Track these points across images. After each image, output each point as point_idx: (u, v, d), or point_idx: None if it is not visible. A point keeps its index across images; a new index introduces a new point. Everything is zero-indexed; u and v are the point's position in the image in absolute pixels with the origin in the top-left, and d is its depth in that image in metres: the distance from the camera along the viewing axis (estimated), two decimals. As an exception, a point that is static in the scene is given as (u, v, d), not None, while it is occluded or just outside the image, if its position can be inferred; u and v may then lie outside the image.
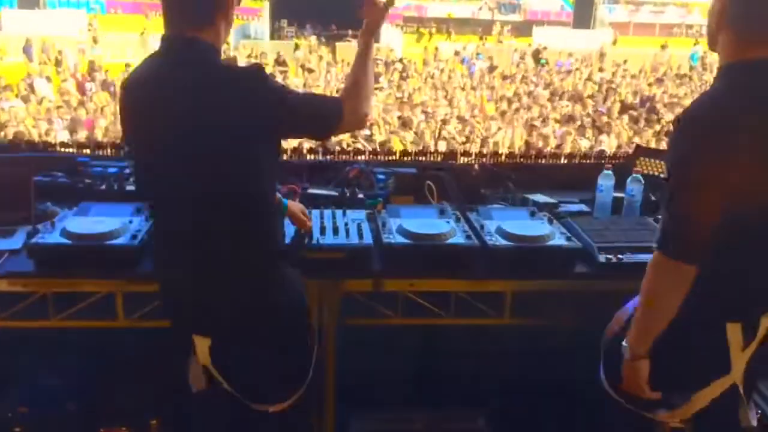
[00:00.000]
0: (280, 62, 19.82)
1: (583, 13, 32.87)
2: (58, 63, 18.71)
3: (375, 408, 2.73)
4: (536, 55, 24.95)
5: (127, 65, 15.49)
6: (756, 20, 1.58)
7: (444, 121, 11.09)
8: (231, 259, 1.75)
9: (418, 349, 2.76)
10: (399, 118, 11.01)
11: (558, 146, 9.70)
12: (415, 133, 9.73)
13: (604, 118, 11.33)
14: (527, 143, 9.63)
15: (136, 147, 1.80)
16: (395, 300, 2.34)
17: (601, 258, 2.34)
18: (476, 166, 3.02)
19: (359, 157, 3.26)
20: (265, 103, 1.66)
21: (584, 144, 10.02)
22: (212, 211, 1.71)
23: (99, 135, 9.66)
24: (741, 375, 1.75)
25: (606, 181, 2.82)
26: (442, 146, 9.06)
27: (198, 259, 1.76)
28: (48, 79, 15.38)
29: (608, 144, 9.62)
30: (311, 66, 19.90)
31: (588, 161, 3.41)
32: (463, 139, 10.23)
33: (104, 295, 2.21)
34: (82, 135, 9.46)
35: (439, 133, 10.11)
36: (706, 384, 1.77)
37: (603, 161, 3.14)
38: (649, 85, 16.82)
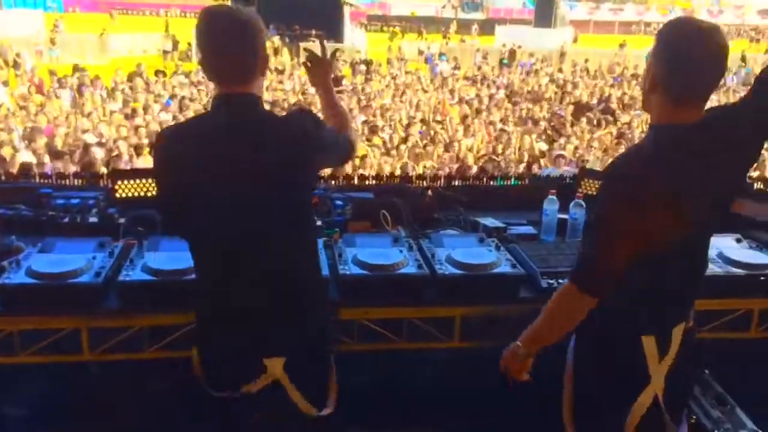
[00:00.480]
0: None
1: (544, 11, 33.25)
2: (16, 66, 18.34)
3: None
4: (512, 57, 25.26)
5: (76, 66, 15.31)
6: (683, 85, 1.72)
7: (408, 125, 11.25)
8: (293, 282, 1.94)
9: (375, 373, 2.88)
10: (364, 122, 11.13)
11: (519, 149, 9.93)
12: (384, 141, 9.83)
13: (563, 121, 11.60)
14: (493, 149, 9.83)
15: (184, 193, 1.87)
16: (351, 327, 2.47)
17: (544, 283, 2.50)
18: (429, 192, 3.16)
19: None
20: (310, 148, 1.88)
21: (542, 146, 10.27)
22: (269, 240, 1.88)
23: (59, 143, 9.58)
24: (662, 386, 1.93)
25: (551, 205, 2.99)
26: (404, 150, 9.22)
27: (264, 288, 1.90)
28: (5, 83, 15.09)
29: (564, 147, 9.87)
30: (279, 66, 19.88)
31: (537, 183, 3.58)
32: (426, 142, 10.41)
33: (70, 331, 2.29)
34: (41, 143, 9.36)
35: (406, 138, 10.25)
36: (631, 397, 1.94)
37: (553, 182, 3.32)
38: (611, 86, 17.21)
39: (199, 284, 2.00)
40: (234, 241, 1.87)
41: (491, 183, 3.50)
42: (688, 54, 1.69)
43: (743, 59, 25.00)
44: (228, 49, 1.82)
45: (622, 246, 1.73)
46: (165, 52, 25.80)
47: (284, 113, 2.01)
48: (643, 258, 1.76)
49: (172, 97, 13.48)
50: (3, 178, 3.47)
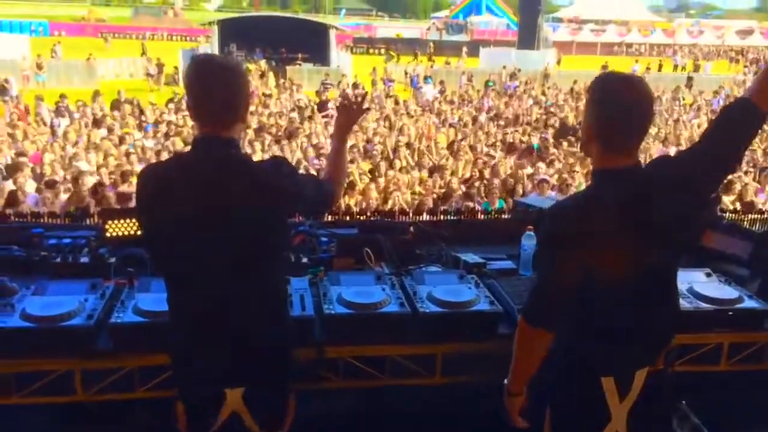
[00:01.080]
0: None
1: (527, 33, 33.75)
2: (2, 91, 18.36)
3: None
4: (513, 77, 25.64)
5: (62, 96, 15.36)
6: (614, 134, 1.87)
7: (394, 150, 11.37)
8: (259, 315, 2.03)
9: (361, 407, 2.96)
10: (353, 147, 11.21)
11: (509, 175, 10.02)
12: (372, 167, 9.91)
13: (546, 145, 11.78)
14: (480, 173, 9.92)
15: (158, 230, 1.98)
16: (337, 364, 2.55)
17: (521, 320, 2.60)
18: (411, 228, 3.27)
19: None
20: (285, 195, 2.00)
21: (527, 172, 10.42)
22: (241, 276, 1.97)
23: (47, 171, 9.60)
24: (624, 424, 2.04)
25: (528, 240, 3.10)
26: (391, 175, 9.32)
27: (230, 323, 1.99)
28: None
29: (547, 172, 10.02)
30: (266, 91, 20.02)
31: (516, 217, 3.70)
32: (413, 163, 10.54)
33: (63, 372, 2.36)
34: (27, 171, 9.37)
35: (391, 164, 10.36)
36: None
37: (530, 217, 3.44)
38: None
39: (170, 321, 2.08)
40: (202, 283, 1.96)
41: (472, 217, 3.61)
42: (616, 106, 1.84)
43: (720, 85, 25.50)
44: (213, 93, 1.94)
45: (560, 282, 1.87)
46: (149, 75, 26.00)
47: (261, 160, 2.11)
48: (595, 296, 1.89)
49: (157, 123, 13.53)
50: (-5, 218, 3.53)
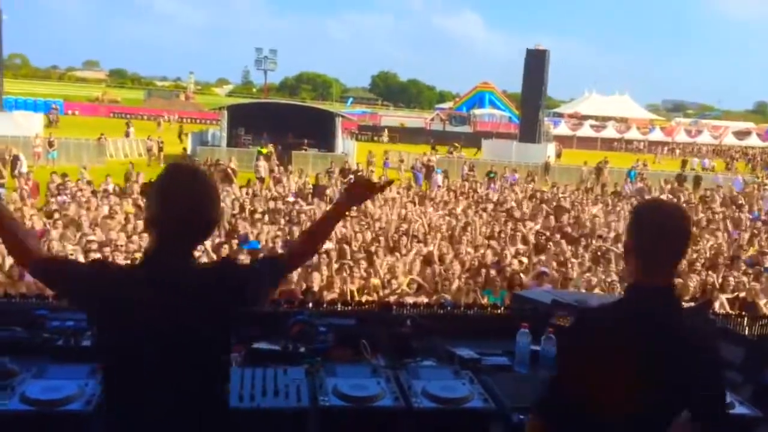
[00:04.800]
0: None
1: (529, 127, 34.65)
2: (13, 167, 18.76)
3: None
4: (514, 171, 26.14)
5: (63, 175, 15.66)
6: (650, 257, 2.00)
7: (398, 239, 11.43)
8: (199, 414, 2.03)
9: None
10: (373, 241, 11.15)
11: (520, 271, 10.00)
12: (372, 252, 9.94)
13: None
14: (481, 263, 9.95)
15: (108, 330, 2.01)
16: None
17: (515, 418, 2.62)
18: (408, 321, 3.32)
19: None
20: (232, 300, 2.06)
21: (524, 260, 10.47)
22: (184, 374, 1.99)
23: (53, 246, 9.68)
24: None
25: (523, 338, 3.16)
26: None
27: (169, 417, 1.99)
28: (0, 185, 15.42)
29: (547, 263, 10.09)
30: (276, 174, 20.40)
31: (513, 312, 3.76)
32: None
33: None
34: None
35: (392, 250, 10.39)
36: None
37: (526, 314, 3.50)
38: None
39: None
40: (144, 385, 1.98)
41: (468, 312, 3.67)
42: (654, 232, 1.98)
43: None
44: (182, 206, 1.97)
45: (571, 383, 1.94)
46: (149, 151, 26.84)
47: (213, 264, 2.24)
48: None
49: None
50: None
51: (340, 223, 12.14)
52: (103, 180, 15.47)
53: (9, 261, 8.31)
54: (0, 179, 16.42)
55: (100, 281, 1.98)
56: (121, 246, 9.66)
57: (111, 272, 2.06)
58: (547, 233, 12.65)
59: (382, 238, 10.85)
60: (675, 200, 17.28)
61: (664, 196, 20.03)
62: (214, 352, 2.06)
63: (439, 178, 22.59)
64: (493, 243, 11.40)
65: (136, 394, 1.99)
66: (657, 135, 56.62)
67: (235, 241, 10.04)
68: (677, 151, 50.68)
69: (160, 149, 27.23)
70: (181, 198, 1.97)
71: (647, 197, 16.29)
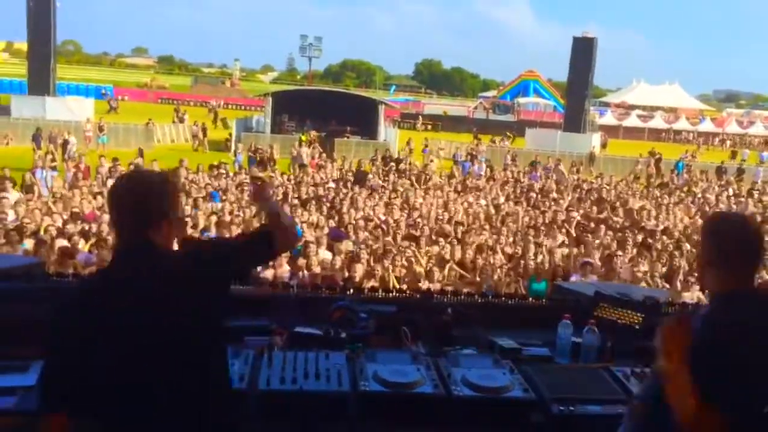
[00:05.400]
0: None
1: (574, 116, 33.99)
2: (65, 151, 19.28)
3: None
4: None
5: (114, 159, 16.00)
6: (731, 262, 2.05)
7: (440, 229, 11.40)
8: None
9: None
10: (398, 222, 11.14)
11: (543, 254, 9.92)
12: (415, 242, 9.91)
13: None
14: (523, 252, 9.85)
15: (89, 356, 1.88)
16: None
17: (555, 409, 2.61)
18: (449, 310, 3.32)
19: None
20: (212, 285, 2.07)
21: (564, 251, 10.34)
22: (181, 399, 1.96)
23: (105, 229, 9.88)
24: None
25: (565, 329, 3.13)
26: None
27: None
28: (53, 168, 15.86)
29: (590, 253, 9.94)
30: (320, 162, 20.54)
31: (554, 303, 3.72)
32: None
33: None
34: (77, 227, 9.65)
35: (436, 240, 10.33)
36: None
37: (568, 306, 3.47)
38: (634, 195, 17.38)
39: None
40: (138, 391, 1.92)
41: (509, 302, 3.65)
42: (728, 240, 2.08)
43: None
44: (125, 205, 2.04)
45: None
46: (194, 137, 27.33)
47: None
48: None
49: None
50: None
51: (381, 210, 12.20)
52: (149, 164, 15.79)
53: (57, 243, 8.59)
54: (52, 162, 16.87)
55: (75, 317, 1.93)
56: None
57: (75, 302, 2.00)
58: (591, 224, 12.46)
59: (426, 227, 10.82)
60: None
61: (708, 189, 19.52)
62: (205, 345, 2.03)
63: (482, 167, 22.41)
64: (532, 233, 11.26)
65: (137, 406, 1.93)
66: (707, 126, 55.03)
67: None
68: (728, 143, 49.17)
69: (204, 135, 27.67)
70: (126, 196, 2.05)
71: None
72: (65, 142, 19.98)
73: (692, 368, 1.91)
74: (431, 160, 23.09)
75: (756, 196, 18.56)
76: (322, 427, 2.55)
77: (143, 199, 2.03)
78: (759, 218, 14.37)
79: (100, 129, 24.83)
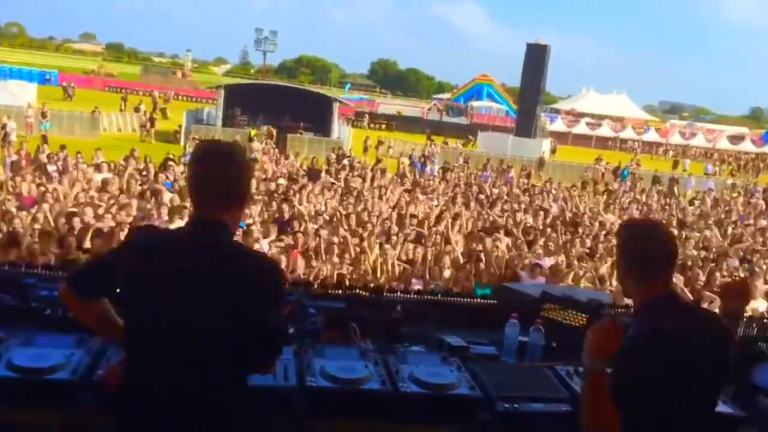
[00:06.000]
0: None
1: (525, 121, 34.62)
2: (5, 137, 18.58)
3: None
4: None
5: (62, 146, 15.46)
6: (646, 269, 2.14)
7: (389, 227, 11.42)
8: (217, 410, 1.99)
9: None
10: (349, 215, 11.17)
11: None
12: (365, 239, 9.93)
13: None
14: (471, 254, 9.95)
15: (138, 304, 1.98)
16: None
17: (500, 407, 2.63)
18: (398, 307, 3.32)
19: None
20: (274, 300, 2.07)
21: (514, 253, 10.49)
22: (207, 371, 1.95)
23: (43, 217, 9.57)
24: None
25: (512, 329, 3.17)
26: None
27: (188, 408, 1.96)
28: (-7, 154, 15.27)
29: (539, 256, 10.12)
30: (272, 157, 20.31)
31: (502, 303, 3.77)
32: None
33: (40, 426, 2.36)
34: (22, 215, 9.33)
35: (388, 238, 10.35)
36: None
37: (515, 306, 3.51)
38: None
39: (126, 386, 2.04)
40: (165, 356, 1.95)
41: (458, 300, 3.67)
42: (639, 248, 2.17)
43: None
44: (216, 178, 2.00)
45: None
46: (142, 127, 26.78)
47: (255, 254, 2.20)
48: None
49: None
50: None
51: (332, 205, 12.15)
52: (93, 154, 15.33)
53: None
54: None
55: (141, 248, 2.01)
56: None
57: (152, 233, 2.14)
58: (540, 226, 12.68)
59: (376, 226, 10.82)
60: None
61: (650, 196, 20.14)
62: (232, 338, 1.95)
63: (435, 168, 22.59)
64: (483, 234, 11.39)
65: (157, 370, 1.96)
66: (652, 135, 56.70)
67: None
68: (670, 153, 50.77)
69: (152, 125, 27.07)
70: (218, 168, 2.00)
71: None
72: (4, 127, 19.23)
73: (618, 370, 1.98)
74: (380, 160, 23.15)
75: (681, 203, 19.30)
76: (268, 423, 2.51)
77: (230, 178, 2.01)
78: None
79: (43, 115, 24.03)
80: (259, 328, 1.98)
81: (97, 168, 13.59)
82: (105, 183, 12.00)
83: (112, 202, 10.58)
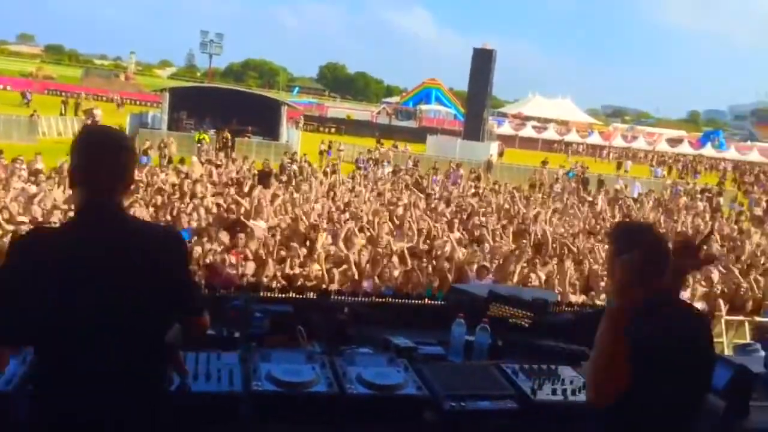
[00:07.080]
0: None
1: (473, 125, 35.06)
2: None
3: None
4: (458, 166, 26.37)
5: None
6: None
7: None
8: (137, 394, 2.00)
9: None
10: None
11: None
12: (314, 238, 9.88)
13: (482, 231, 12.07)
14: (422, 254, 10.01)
15: (40, 299, 1.89)
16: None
17: (446, 405, 2.65)
18: (345, 309, 3.31)
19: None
20: (182, 260, 2.14)
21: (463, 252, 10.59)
22: (123, 352, 1.95)
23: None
24: None
25: (459, 328, 3.19)
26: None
27: (107, 396, 1.94)
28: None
29: (486, 258, 10.23)
30: (217, 161, 19.97)
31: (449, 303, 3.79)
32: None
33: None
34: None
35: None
36: None
37: (462, 306, 3.54)
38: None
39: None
40: (89, 335, 1.93)
41: (405, 301, 3.69)
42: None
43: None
44: (108, 160, 2.03)
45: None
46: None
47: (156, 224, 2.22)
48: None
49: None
50: None
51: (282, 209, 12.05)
52: (32, 159, 14.84)
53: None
54: None
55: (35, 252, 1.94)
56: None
57: (45, 237, 2.05)
58: (488, 228, 12.83)
59: (324, 224, 10.77)
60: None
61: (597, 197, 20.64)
62: (157, 319, 2.04)
63: (385, 170, 22.67)
64: (433, 234, 11.47)
65: (74, 366, 1.94)
66: (595, 138, 58.19)
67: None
68: (612, 155, 52.18)
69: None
70: (113, 153, 2.05)
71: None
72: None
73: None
74: (332, 163, 23.10)
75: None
76: (214, 428, 2.47)
77: (123, 159, 2.06)
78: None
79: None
80: (174, 289, 2.06)
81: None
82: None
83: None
